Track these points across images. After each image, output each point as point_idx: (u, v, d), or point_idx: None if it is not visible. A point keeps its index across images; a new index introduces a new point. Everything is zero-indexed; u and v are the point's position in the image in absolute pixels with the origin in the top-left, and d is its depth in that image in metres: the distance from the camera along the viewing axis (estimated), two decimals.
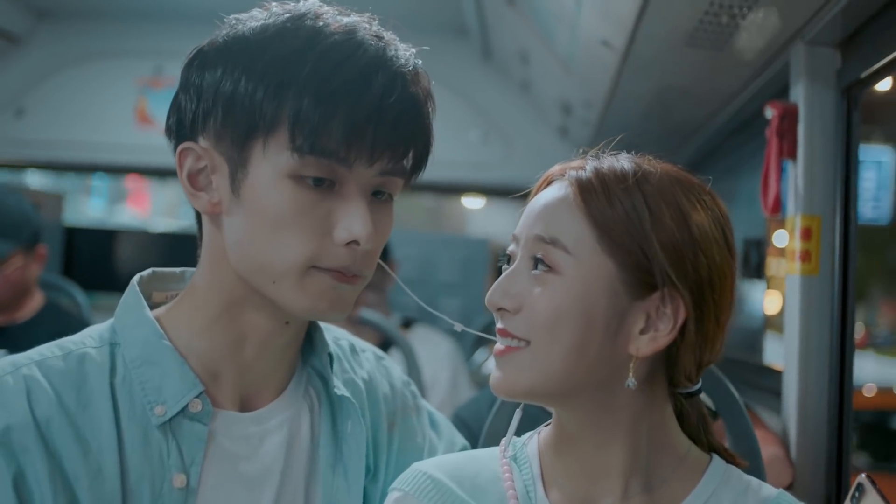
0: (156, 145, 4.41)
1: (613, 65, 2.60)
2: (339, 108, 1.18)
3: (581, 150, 1.29)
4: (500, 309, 1.22)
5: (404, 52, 1.26)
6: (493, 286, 1.23)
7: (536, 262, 1.20)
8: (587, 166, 1.23)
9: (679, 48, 2.33)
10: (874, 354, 13.13)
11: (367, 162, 1.22)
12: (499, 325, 1.22)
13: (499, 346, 1.22)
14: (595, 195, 1.19)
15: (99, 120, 4.40)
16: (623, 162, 1.23)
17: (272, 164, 1.20)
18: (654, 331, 1.18)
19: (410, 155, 1.26)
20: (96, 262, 6.07)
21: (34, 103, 4.40)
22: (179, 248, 6.12)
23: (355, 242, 1.22)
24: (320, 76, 1.18)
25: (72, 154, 4.44)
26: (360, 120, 1.19)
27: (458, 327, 1.40)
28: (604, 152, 1.27)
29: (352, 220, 1.22)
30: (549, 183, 1.27)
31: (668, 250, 1.17)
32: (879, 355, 13.19)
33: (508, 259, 1.27)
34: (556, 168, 1.28)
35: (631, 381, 1.18)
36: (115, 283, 5.92)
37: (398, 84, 1.22)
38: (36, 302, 3.19)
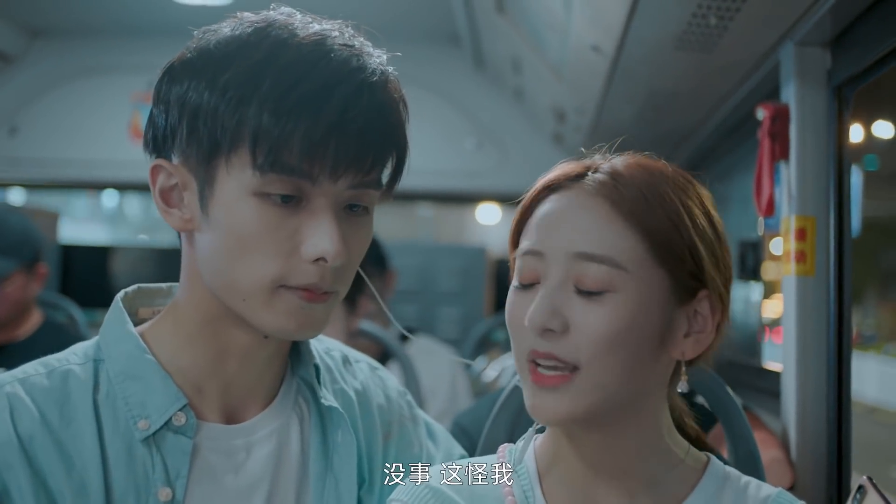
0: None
1: (604, 70, 2.60)
2: (299, 124, 1.15)
3: (580, 152, 1.26)
4: (546, 331, 1.15)
5: (373, 60, 1.23)
6: (536, 305, 1.15)
7: (582, 280, 1.14)
8: (610, 173, 1.19)
9: (668, 51, 2.34)
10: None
11: (330, 177, 1.18)
12: (542, 349, 1.15)
13: (544, 373, 1.16)
14: (638, 203, 1.15)
15: (93, 136, 4.40)
16: (643, 167, 1.20)
17: (237, 181, 1.18)
18: (696, 333, 1.18)
19: (379, 167, 1.23)
20: (92, 279, 6.07)
21: (28, 121, 4.40)
22: (176, 265, 6.12)
23: (323, 259, 1.20)
24: (280, 90, 1.15)
25: (67, 171, 4.44)
26: (320, 135, 1.15)
27: (488, 377, 1.39)
28: (607, 153, 1.25)
29: (319, 237, 1.19)
30: (552, 189, 1.22)
31: (709, 252, 1.17)
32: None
33: (524, 276, 1.20)
34: (559, 172, 1.23)
35: (683, 384, 1.19)
36: (111, 301, 5.91)
37: (363, 95, 1.18)
38: (35, 320, 3.18)
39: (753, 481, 1.27)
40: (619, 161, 1.22)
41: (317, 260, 1.20)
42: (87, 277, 6.04)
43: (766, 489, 1.26)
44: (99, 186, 4.81)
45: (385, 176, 1.25)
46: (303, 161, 1.16)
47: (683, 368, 1.19)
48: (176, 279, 1.44)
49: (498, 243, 8.48)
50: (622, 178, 1.18)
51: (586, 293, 1.14)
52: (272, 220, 1.19)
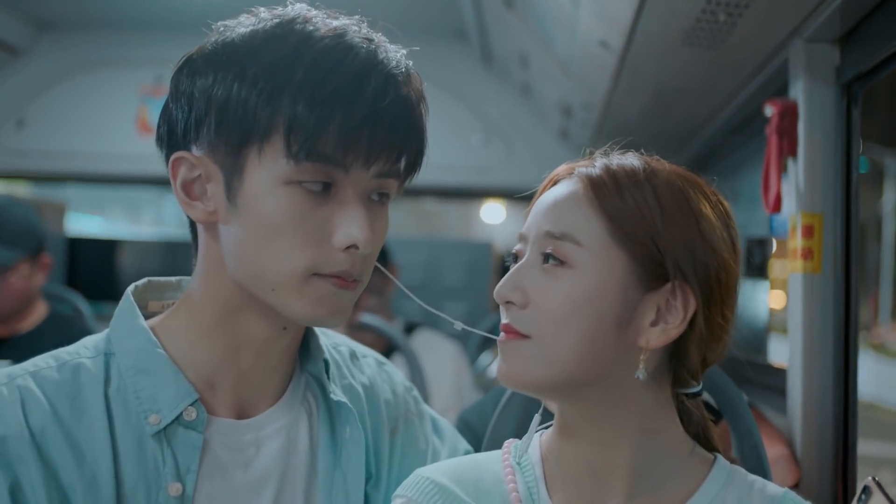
0: (157, 154, 4.44)
1: (612, 66, 2.60)
2: (335, 113, 1.17)
3: (588, 151, 1.30)
4: (507, 302, 1.22)
5: (395, 54, 1.25)
6: (503, 279, 1.23)
7: (546, 257, 1.20)
8: (596, 164, 1.24)
9: (677, 48, 2.33)
10: None
11: (363, 165, 1.21)
12: (503, 321, 1.22)
13: (502, 335, 1.22)
14: (606, 189, 1.20)
15: (100, 129, 4.41)
16: (632, 160, 1.24)
17: (268, 170, 1.20)
18: (664, 323, 1.19)
19: (405, 156, 1.25)
20: (99, 271, 6.08)
21: (35, 114, 4.41)
22: (182, 257, 6.13)
23: (354, 247, 1.22)
24: (313, 81, 1.17)
25: (73, 164, 4.45)
26: (356, 123, 1.18)
27: (458, 325, 1.40)
28: (610, 152, 1.28)
29: (351, 225, 1.21)
30: (555, 183, 1.28)
31: (679, 243, 1.18)
32: None
33: (515, 258, 1.26)
34: (562, 168, 1.28)
35: (641, 371, 1.18)
36: (118, 293, 5.92)
37: (391, 86, 1.21)
38: (39, 312, 3.18)
39: (759, 480, 1.28)
40: (620, 157, 1.26)
41: (348, 248, 1.22)
42: (94, 270, 6.05)
43: (773, 489, 1.26)
44: (106, 180, 4.81)
45: (403, 167, 1.27)
46: (337, 149, 1.18)
47: (642, 357, 1.19)
48: (182, 272, 1.45)
49: (503, 238, 8.49)
50: (609, 168, 1.22)
51: (548, 268, 1.20)
52: (304, 209, 1.20)
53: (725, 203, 1.26)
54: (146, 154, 4.26)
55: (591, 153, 1.29)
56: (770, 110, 2.19)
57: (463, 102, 4.24)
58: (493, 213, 10.06)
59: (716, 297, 1.20)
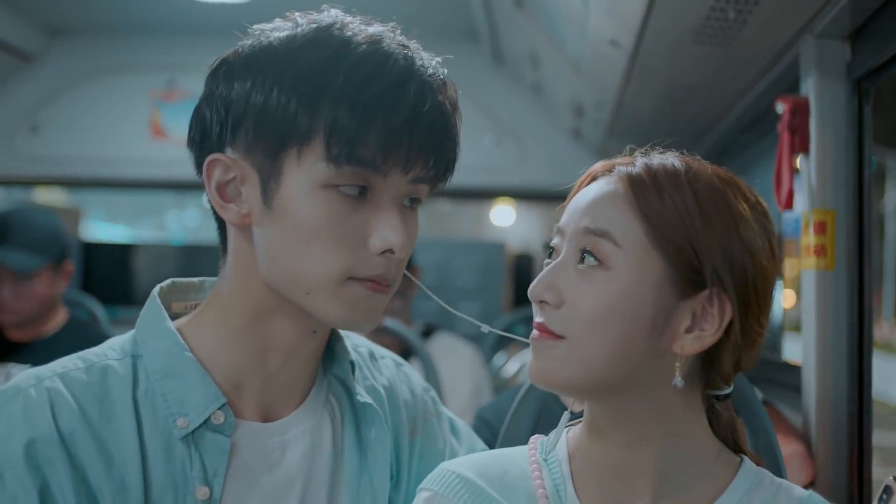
0: (171, 158, 4.48)
1: (623, 65, 2.60)
2: (375, 118, 1.18)
3: (629, 149, 1.28)
4: (541, 302, 1.20)
5: (431, 62, 1.26)
6: (538, 278, 1.21)
7: (583, 255, 1.19)
8: (637, 162, 1.22)
9: (687, 45, 2.33)
10: None
11: (402, 170, 1.21)
12: (537, 319, 1.21)
13: (535, 333, 1.21)
14: (646, 190, 1.18)
15: (113, 134, 4.43)
16: (673, 160, 1.22)
17: (307, 174, 1.20)
18: (699, 330, 1.17)
19: (441, 162, 1.26)
20: (114, 276, 6.10)
21: (48, 120, 4.44)
22: (196, 261, 6.15)
23: (390, 251, 1.22)
24: (354, 86, 1.18)
25: (87, 169, 4.47)
26: (396, 128, 1.18)
27: (486, 328, 1.40)
28: (652, 151, 1.26)
29: (387, 229, 1.22)
30: (593, 179, 1.26)
31: (717, 249, 1.16)
32: None
33: (551, 252, 1.25)
34: (600, 164, 1.27)
35: (678, 380, 1.17)
36: (133, 297, 5.96)
37: (429, 93, 1.22)
38: (60, 317, 3.21)
39: (785, 483, 1.27)
40: (661, 157, 1.24)
41: (384, 252, 1.22)
42: (109, 275, 6.08)
43: (798, 492, 1.26)
44: (119, 185, 4.84)
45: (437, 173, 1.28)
46: (377, 154, 1.19)
47: (677, 363, 1.18)
48: (198, 275, 1.45)
49: (516, 239, 8.49)
50: (650, 168, 1.20)
51: (584, 269, 1.18)
52: (341, 213, 1.21)
53: (765, 205, 1.24)
54: (159, 158, 4.33)
55: (633, 150, 1.27)
56: (781, 107, 2.19)
57: (474, 103, 4.24)
58: (502, 215, 10.05)
59: (752, 304, 1.18)
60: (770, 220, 1.23)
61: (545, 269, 1.22)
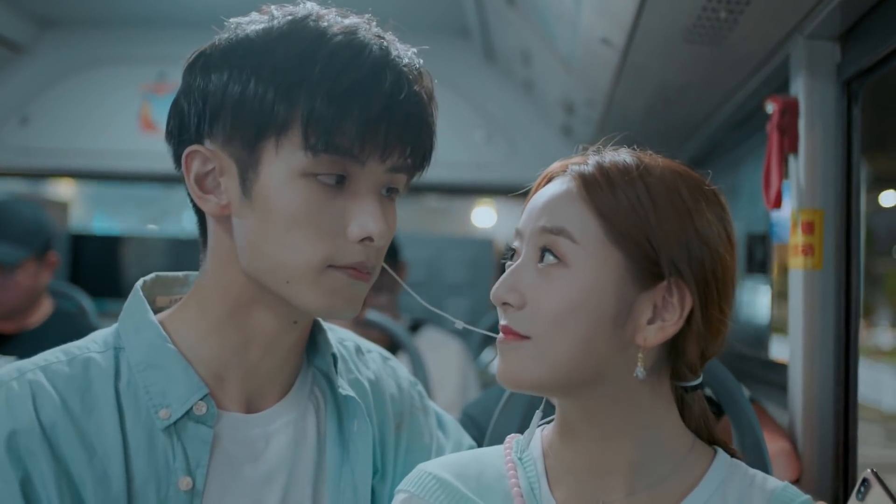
0: (160, 151, 4.41)
1: (614, 63, 2.61)
2: (352, 106, 1.19)
3: (581, 147, 1.29)
4: (504, 304, 1.21)
5: (406, 52, 1.27)
6: (499, 281, 1.23)
7: (543, 253, 1.20)
8: (589, 161, 1.23)
9: (678, 44, 2.34)
10: None
11: (379, 158, 1.23)
12: (502, 322, 1.22)
13: (500, 336, 1.22)
14: (599, 188, 1.19)
15: (103, 127, 4.43)
16: (624, 156, 1.23)
17: (285, 163, 1.21)
18: (661, 320, 1.18)
19: (418, 151, 1.27)
20: (102, 268, 6.09)
21: (38, 111, 4.43)
22: (184, 253, 6.14)
23: (369, 239, 1.23)
24: (331, 75, 1.19)
25: (77, 161, 4.46)
26: (373, 117, 1.20)
27: (459, 325, 1.41)
28: (604, 149, 1.27)
29: (366, 217, 1.23)
30: (550, 180, 1.27)
31: (673, 240, 1.17)
32: None
33: (512, 255, 1.26)
34: (556, 165, 1.28)
35: (640, 370, 1.18)
36: (121, 290, 5.95)
37: (405, 82, 1.23)
38: (45, 309, 3.20)
39: (759, 474, 1.28)
40: (613, 154, 1.25)
41: (363, 240, 1.23)
42: (97, 266, 6.07)
43: (773, 483, 1.26)
44: (109, 177, 4.83)
45: (415, 162, 1.29)
46: (355, 142, 1.20)
47: (640, 354, 1.18)
48: (186, 268, 1.46)
49: (504, 235, 8.49)
50: (601, 166, 1.22)
51: (544, 268, 1.19)
52: (320, 201, 1.22)
53: (721, 196, 1.25)
54: (149, 151, 4.33)
55: (585, 149, 1.28)
56: (771, 107, 2.20)
57: (465, 99, 4.24)
58: (484, 216, 10.05)
59: (712, 292, 1.19)
60: (726, 210, 1.24)
61: (506, 272, 1.24)
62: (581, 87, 3.24)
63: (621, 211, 1.18)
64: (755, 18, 2.10)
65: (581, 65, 2.95)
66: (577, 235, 1.18)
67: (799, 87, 2.17)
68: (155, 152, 4.39)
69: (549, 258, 1.19)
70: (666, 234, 1.17)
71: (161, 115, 4.32)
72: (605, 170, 1.21)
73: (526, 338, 1.19)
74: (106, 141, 4.42)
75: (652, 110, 3.14)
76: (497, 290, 1.22)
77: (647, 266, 1.17)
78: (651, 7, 2.10)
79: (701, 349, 1.22)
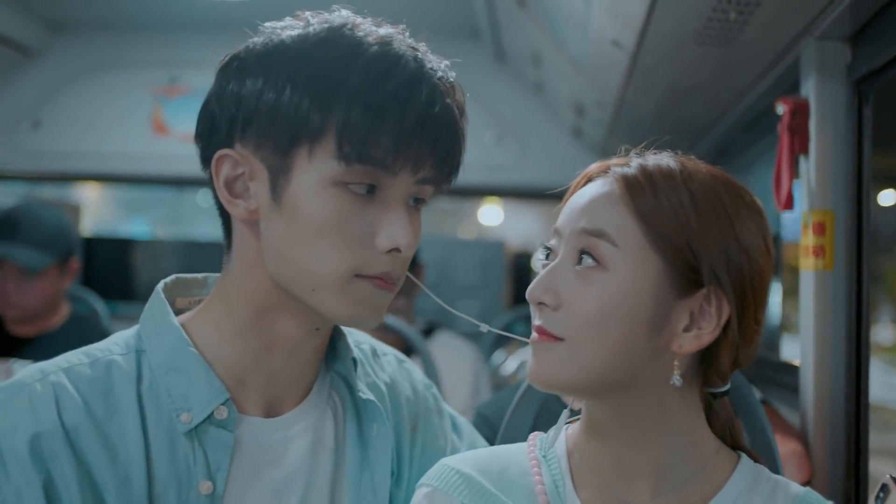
0: (172, 154, 4.48)
1: (624, 64, 2.61)
2: (388, 118, 1.19)
3: (623, 149, 1.28)
4: (539, 304, 1.21)
5: (439, 65, 1.27)
6: (535, 280, 1.21)
7: (581, 255, 1.19)
8: (632, 163, 1.22)
9: (688, 46, 2.34)
10: None
11: (411, 170, 1.22)
12: (536, 322, 1.21)
13: (534, 335, 1.21)
14: (642, 191, 1.18)
15: (115, 130, 4.44)
16: (668, 160, 1.22)
17: (317, 171, 1.21)
18: (697, 328, 1.17)
19: (448, 164, 1.27)
20: (115, 271, 6.11)
21: (50, 115, 4.44)
22: (195, 257, 6.16)
23: (396, 249, 1.23)
24: (367, 86, 1.19)
25: (88, 165, 4.48)
26: (408, 128, 1.20)
27: (484, 328, 1.41)
28: (645, 151, 1.26)
29: (395, 228, 1.23)
30: (589, 180, 1.26)
31: (714, 248, 1.16)
32: None
33: (549, 254, 1.25)
34: (596, 165, 1.27)
35: (676, 378, 1.17)
36: (133, 293, 5.97)
37: (439, 95, 1.23)
38: (63, 312, 3.22)
39: (782, 480, 1.27)
40: (656, 157, 1.24)
41: (391, 250, 1.23)
42: (110, 270, 6.08)
43: (796, 488, 1.26)
44: (120, 180, 4.84)
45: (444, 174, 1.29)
46: (388, 153, 1.20)
47: (676, 362, 1.18)
48: (197, 271, 1.46)
49: (515, 237, 8.49)
50: (645, 168, 1.21)
51: (582, 270, 1.18)
52: (350, 211, 1.22)
53: (761, 207, 1.24)
54: (161, 154, 4.34)
55: (628, 151, 1.27)
56: (781, 108, 2.19)
57: (476, 101, 4.21)
58: (490, 214, 10.03)
59: (749, 302, 1.18)
60: (765, 219, 1.23)
61: (543, 271, 1.23)
62: (591, 88, 3.24)
63: (663, 215, 1.17)
64: (765, 19, 2.10)
65: (591, 66, 2.96)
66: (617, 238, 1.17)
67: (809, 88, 2.17)
68: (167, 155, 4.43)
69: (588, 261, 1.18)
70: (707, 241, 1.16)
71: (173, 118, 4.37)
72: (649, 173, 1.20)
73: (560, 339, 1.18)
74: (118, 144, 4.43)
75: (662, 112, 3.14)
76: (533, 289, 1.21)
77: (687, 273, 1.16)
78: (661, 8, 2.10)
79: (733, 357, 1.21)
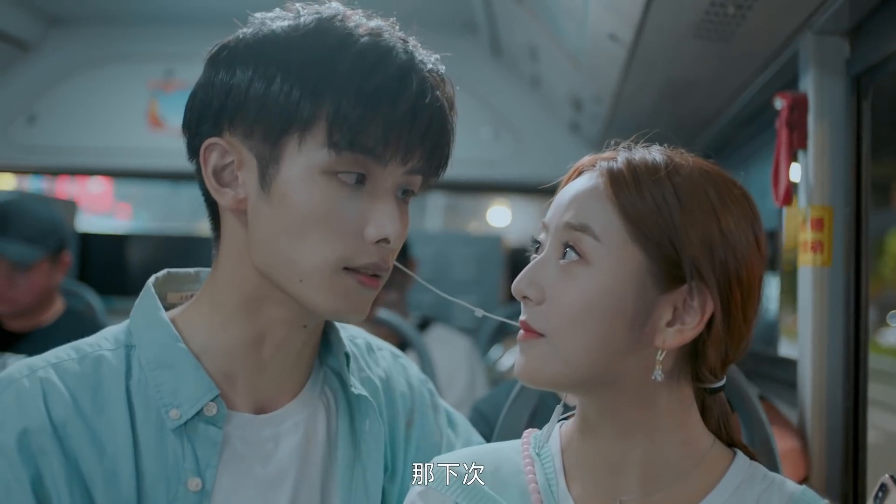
0: (168, 149, 4.47)
1: (621, 58, 2.60)
2: (379, 106, 1.20)
3: (613, 143, 1.28)
4: (524, 298, 1.21)
5: (430, 58, 1.28)
6: (521, 274, 1.22)
7: (565, 249, 1.19)
8: (619, 157, 1.22)
9: (686, 40, 2.33)
10: None
11: (401, 160, 1.23)
12: (521, 317, 1.21)
13: (521, 332, 1.22)
14: (626, 186, 1.18)
15: (111, 124, 4.43)
16: (654, 154, 1.22)
17: (307, 159, 1.21)
18: (680, 323, 1.17)
19: (437, 155, 1.27)
20: (110, 266, 6.10)
21: (46, 109, 4.43)
22: (191, 252, 6.15)
23: (385, 240, 1.24)
24: (358, 75, 1.20)
25: (84, 159, 4.47)
26: (399, 118, 1.21)
27: (479, 312, 1.41)
28: (635, 145, 1.26)
29: (384, 218, 1.23)
30: (579, 173, 1.26)
31: (697, 243, 1.15)
32: None
33: (538, 247, 1.25)
34: (586, 159, 1.27)
35: (657, 373, 1.17)
36: (128, 287, 5.96)
37: (429, 87, 1.24)
38: (57, 307, 3.22)
39: (778, 478, 1.27)
40: (643, 151, 1.23)
41: (379, 241, 1.24)
42: (105, 265, 6.08)
43: (791, 486, 1.25)
44: (116, 174, 4.84)
45: (434, 166, 1.30)
46: (379, 142, 1.21)
47: (658, 356, 1.17)
48: (193, 266, 1.45)
49: (513, 232, 8.48)
50: (630, 163, 1.20)
51: (565, 265, 1.18)
52: (339, 200, 1.22)
53: (752, 200, 1.23)
54: (157, 148, 4.33)
55: (618, 144, 1.27)
56: (780, 103, 2.19)
57: (472, 95, 4.23)
58: (499, 216, 10.05)
59: (736, 297, 1.18)
60: (756, 213, 1.23)
61: (528, 265, 1.23)
62: (589, 83, 3.24)
63: (645, 210, 1.16)
64: (763, 14, 2.10)
65: (589, 61, 2.95)
66: (599, 233, 1.17)
67: (808, 83, 2.17)
68: (163, 150, 4.42)
69: (571, 255, 1.18)
70: (689, 236, 1.15)
71: (169, 113, 4.36)
72: (634, 167, 1.19)
73: (541, 335, 1.18)
74: (114, 138, 4.42)
75: (660, 107, 3.13)
76: (518, 283, 1.21)
77: (669, 268, 1.16)
78: (659, 2, 2.09)
79: (722, 354, 1.20)
